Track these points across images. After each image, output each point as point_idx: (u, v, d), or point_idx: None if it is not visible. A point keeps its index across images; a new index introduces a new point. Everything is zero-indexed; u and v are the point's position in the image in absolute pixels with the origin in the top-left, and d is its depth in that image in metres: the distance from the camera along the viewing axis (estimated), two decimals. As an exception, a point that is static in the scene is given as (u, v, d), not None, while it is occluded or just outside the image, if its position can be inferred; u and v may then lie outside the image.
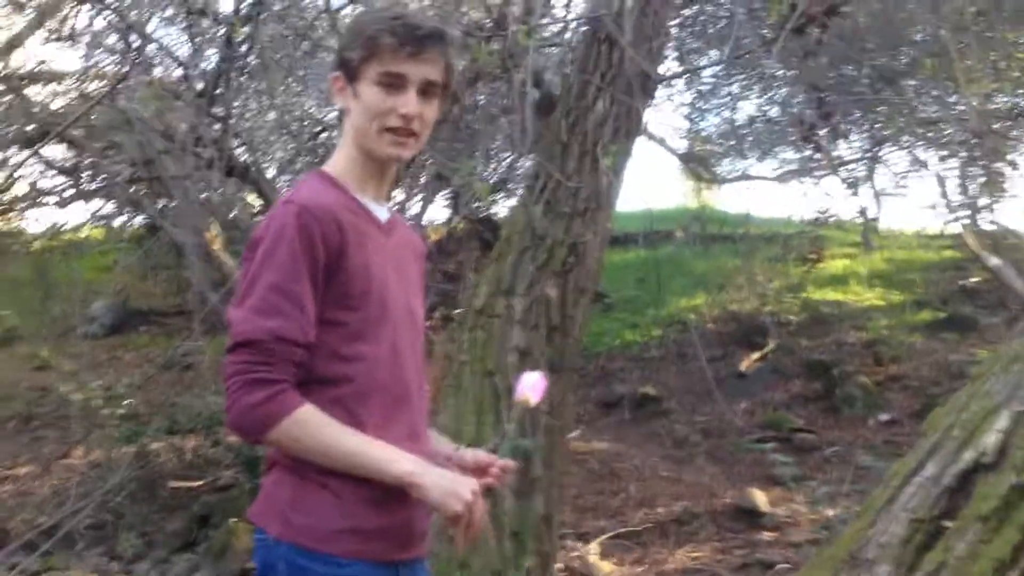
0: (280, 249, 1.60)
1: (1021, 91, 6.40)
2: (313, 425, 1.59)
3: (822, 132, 5.07)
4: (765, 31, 4.80)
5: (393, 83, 1.68)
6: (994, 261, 7.46)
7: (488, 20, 5.97)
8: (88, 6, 5.18)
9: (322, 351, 1.63)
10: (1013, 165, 7.01)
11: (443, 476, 1.63)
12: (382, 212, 1.78)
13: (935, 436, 2.51)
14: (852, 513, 4.48)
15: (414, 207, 8.33)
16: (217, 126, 5.62)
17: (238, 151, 6.31)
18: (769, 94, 7.60)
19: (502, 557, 3.22)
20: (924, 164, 7.37)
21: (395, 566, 1.68)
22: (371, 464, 1.61)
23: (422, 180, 8.47)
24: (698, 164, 8.03)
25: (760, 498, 6.01)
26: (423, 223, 9.01)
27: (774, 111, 7.71)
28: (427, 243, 7.13)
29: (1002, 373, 2.57)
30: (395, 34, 1.66)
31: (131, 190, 7.40)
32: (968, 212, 7.46)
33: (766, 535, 5.61)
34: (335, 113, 7.44)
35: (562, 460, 3.80)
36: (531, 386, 1.78)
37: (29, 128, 7.13)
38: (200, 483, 6.67)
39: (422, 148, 1.83)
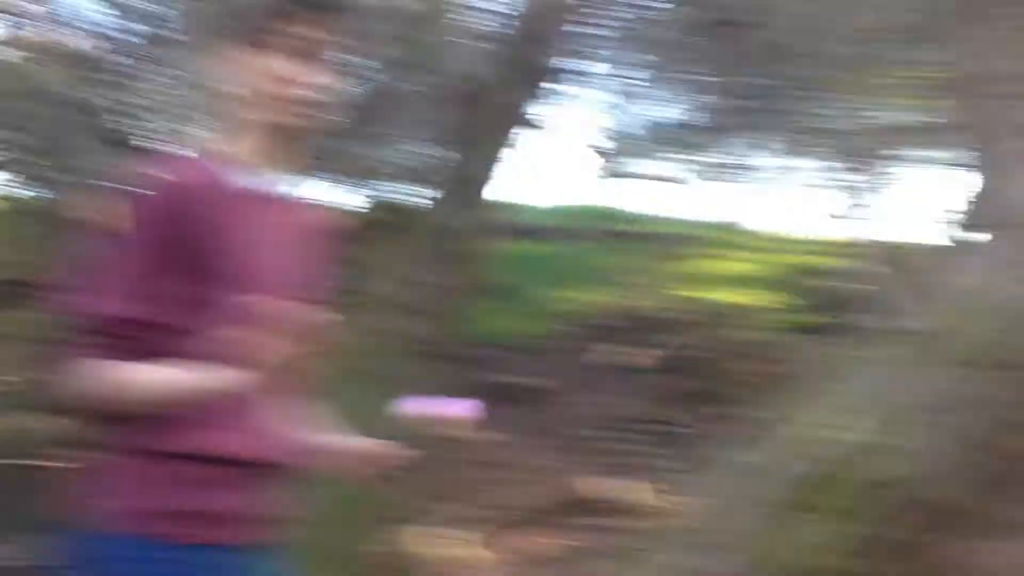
0: (121, 228, 1.57)
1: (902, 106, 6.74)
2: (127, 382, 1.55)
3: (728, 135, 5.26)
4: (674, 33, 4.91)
5: (301, 51, 1.63)
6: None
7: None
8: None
9: (172, 329, 1.58)
10: (887, 175, 7.39)
11: None
12: (270, 183, 1.73)
13: (784, 430, 2.65)
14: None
15: (318, 190, 8.23)
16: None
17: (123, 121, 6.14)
18: (672, 98, 7.76)
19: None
20: (793, 170, 7.72)
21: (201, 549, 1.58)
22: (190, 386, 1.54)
23: (326, 163, 8.38)
24: (605, 161, 8.18)
25: (620, 489, 6.15)
26: (327, 206, 8.93)
27: (674, 113, 7.89)
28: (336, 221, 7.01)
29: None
30: (302, 1, 1.62)
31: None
32: (847, 219, 7.84)
33: (623, 523, 5.74)
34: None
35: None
36: (458, 410, 1.75)
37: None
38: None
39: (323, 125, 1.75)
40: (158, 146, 6.25)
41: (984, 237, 3.00)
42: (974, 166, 3.37)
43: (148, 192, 1.59)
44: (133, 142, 5.86)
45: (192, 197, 1.59)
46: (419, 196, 4.45)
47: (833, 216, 8.74)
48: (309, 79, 1.64)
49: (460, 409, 1.74)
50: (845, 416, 2.64)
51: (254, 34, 1.64)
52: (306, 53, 1.64)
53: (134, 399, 1.56)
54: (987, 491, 2.51)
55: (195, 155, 1.73)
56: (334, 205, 9.29)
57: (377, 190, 8.21)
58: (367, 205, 8.61)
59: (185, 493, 1.58)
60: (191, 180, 1.62)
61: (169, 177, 1.62)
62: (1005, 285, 2.74)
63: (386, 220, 8.80)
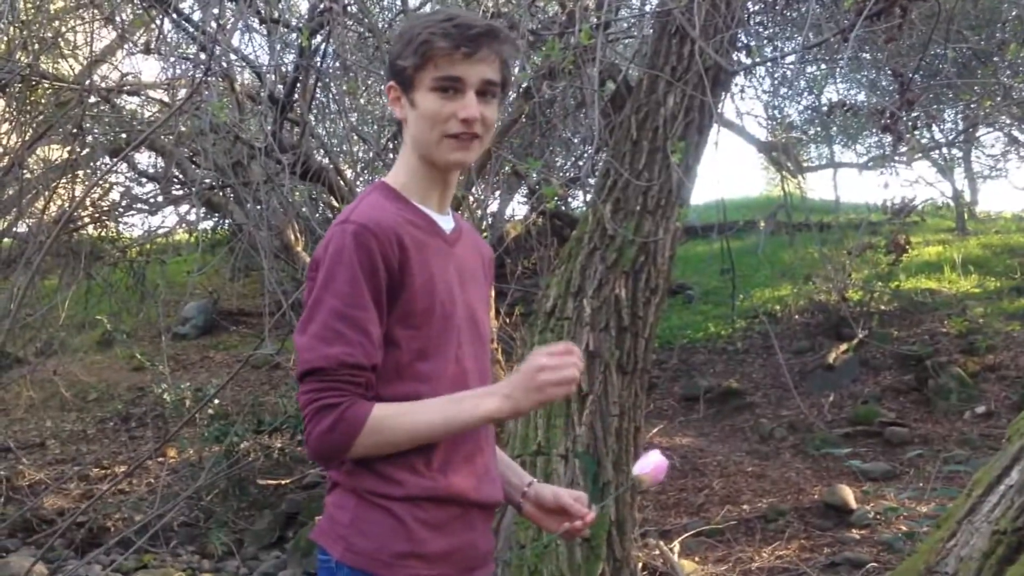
0: (339, 272, 1.56)
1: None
2: (388, 423, 1.56)
3: (905, 118, 4.87)
4: (843, 18, 4.64)
5: (450, 87, 1.62)
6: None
7: (562, 15, 5.90)
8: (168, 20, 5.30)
9: (386, 372, 1.60)
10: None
11: (521, 384, 1.58)
12: (447, 221, 1.73)
13: (1020, 443, 2.37)
14: (944, 508, 4.32)
15: (493, 204, 8.34)
16: (294, 130, 5.72)
17: (317, 155, 6.40)
18: (852, 79, 7.34)
19: (572, 564, 3.18)
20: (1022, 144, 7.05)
21: None
22: (462, 420, 1.59)
23: (499, 177, 8.47)
24: (780, 152, 7.83)
25: (848, 495, 5.84)
26: (505, 219, 9.01)
27: (860, 96, 7.45)
28: (506, 239, 7.13)
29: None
30: (448, 36, 1.60)
31: (214, 194, 7.58)
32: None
33: (855, 533, 5.46)
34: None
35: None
36: (652, 466, 1.77)
37: (123, 136, 7.37)
38: (287, 481, 6.80)
39: (488, 148, 1.77)
40: (343, 175, 6.47)
41: None
42: None
43: (340, 238, 1.58)
44: (309, 171, 6.08)
45: (385, 240, 1.59)
46: (590, 204, 4.34)
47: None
48: (462, 114, 1.63)
49: (651, 464, 1.77)
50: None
51: (405, 77, 1.65)
52: (456, 89, 1.63)
53: (403, 443, 1.59)
54: None
55: (371, 196, 1.69)
56: (512, 219, 9.40)
57: (547, 200, 8.22)
58: (541, 216, 8.64)
59: (426, 534, 1.61)
60: (381, 222, 1.61)
61: (358, 221, 1.60)
62: None
63: (562, 230, 8.81)
